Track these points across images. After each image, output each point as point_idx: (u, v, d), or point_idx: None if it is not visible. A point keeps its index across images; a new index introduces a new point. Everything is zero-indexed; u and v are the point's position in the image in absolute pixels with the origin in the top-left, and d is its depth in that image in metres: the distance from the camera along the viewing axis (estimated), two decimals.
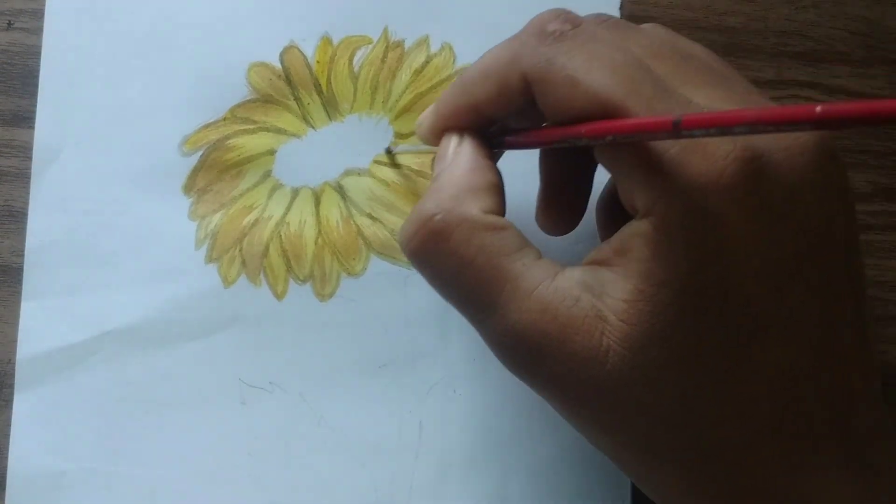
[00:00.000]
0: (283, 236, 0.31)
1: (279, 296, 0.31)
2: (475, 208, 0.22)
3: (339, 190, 0.32)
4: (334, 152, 0.32)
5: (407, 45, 0.32)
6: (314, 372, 0.31)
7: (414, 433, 0.30)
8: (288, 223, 0.31)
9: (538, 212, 0.28)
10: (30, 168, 0.31)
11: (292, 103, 0.32)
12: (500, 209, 0.22)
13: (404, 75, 0.32)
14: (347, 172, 0.32)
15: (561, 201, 0.27)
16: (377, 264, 0.31)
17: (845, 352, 0.21)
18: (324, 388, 0.31)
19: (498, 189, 0.23)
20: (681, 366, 0.20)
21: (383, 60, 0.32)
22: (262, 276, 0.31)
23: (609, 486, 0.30)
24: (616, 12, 0.33)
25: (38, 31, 0.32)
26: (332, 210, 0.32)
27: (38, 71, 0.31)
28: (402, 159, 0.32)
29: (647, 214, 0.20)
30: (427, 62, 0.32)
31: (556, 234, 0.28)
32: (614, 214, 0.26)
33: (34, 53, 0.31)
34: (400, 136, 0.32)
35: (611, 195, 0.26)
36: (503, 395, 0.31)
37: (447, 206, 0.22)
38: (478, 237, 0.21)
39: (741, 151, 0.19)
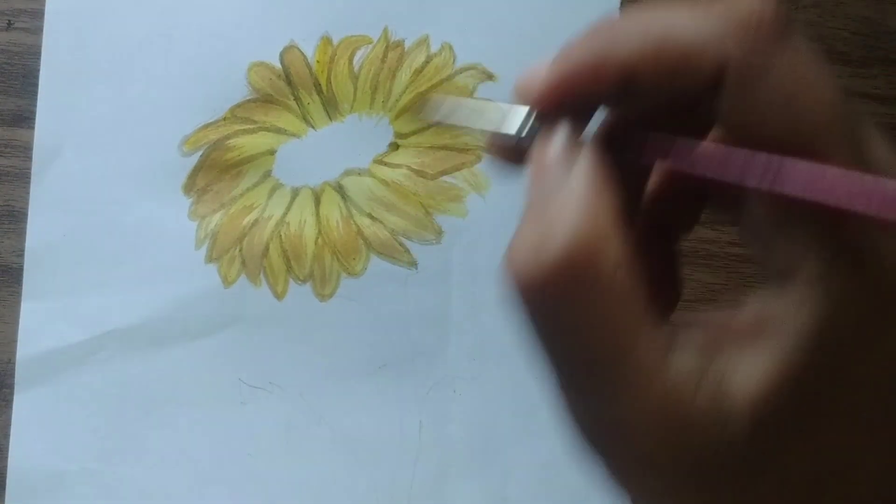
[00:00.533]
0: (283, 236, 0.31)
1: (279, 296, 0.31)
2: (614, 257, 0.17)
3: (339, 190, 0.32)
4: (334, 152, 0.32)
5: (407, 44, 0.32)
6: (314, 372, 0.31)
7: (414, 433, 0.30)
8: (288, 223, 0.31)
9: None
10: (30, 168, 0.31)
11: (292, 103, 0.32)
12: (631, 246, 0.18)
13: (404, 75, 0.32)
14: (347, 172, 0.32)
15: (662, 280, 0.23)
16: (377, 264, 0.31)
17: None
18: (324, 388, 0.31)
19: (626, 220, 0.18)
20: (809, 459, 0.18)
21: (383, 60, 0.32)
22: (262, 276, 0.31)
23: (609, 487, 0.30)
24: (616, 12, 0.33)
25: (38, 31, 0.32)
26: (332, 210, 0.32)
27: (38, 71, 0.31)
28: (402, 159, 0.32)
29: (817, 280, 0.17)
30: (427, 62, 0.32)
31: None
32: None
33: (34, 53, 0.31)
34: (400, 135, 0.32)
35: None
36: (503, 395, 0.31)
37: (585, 251, 0.17)
38: (614, 299, 0.17)
39: None
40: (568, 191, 0.18)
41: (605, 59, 0.18)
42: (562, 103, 0.18)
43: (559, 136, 0.18)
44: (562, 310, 0.17)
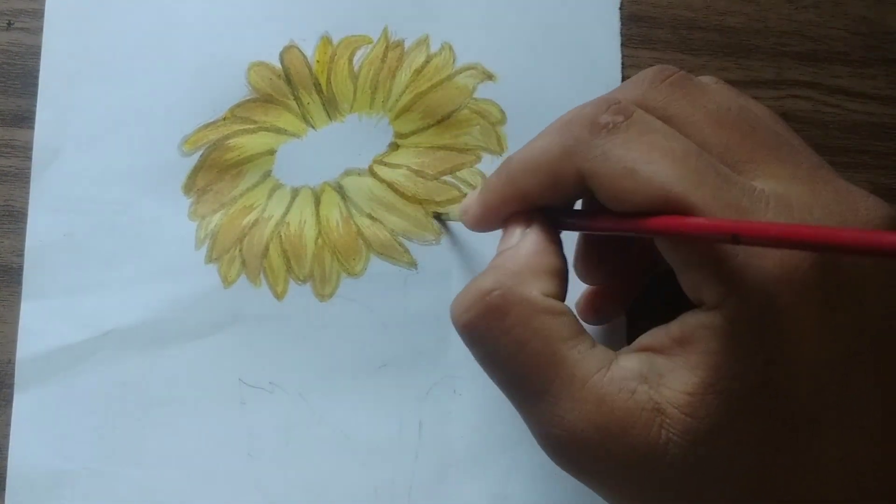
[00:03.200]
0: (283, 236, 0.31)
1: (279, 296, 0.31)
2: (535, 290, 0.21)
3: (339, 190, 0.32)
4: (334, 152, 0.32)
5: (407, 44, 0.32)
6: (314, 372, 0.31)
7: (414, 433, 0.30)
8: (288, 223, 0.31)
9: (581, 304, 0.29)
10: (30, 168, 0.31)
11: (292, 103, 0.32)
12: (561, 294, 0.22)
13: (404, 75, 0.32)
14: (347, 172, 0.32)
15: (607, 292, 0.28)
16: (377, 264, 0.31)
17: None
18: (324, 388, 0.30)
19: (560, 274, 0.22)
20: (746, 457, 0.20)
21: (383, 60, 0.32)
22: (262, 276, 0.31)
23: None
24: (616, 12, 0.33)
25: (38, 31, 0.32)
26: (332, 210, 0.32)
27: (38, 71, 0.31)
28: (402, 159, 0.32)
29: (717, 307, 0.19)
30: (427, 62, 0.32)
31: (598, 324, 0.28)
32: (599, 259, 0.26)
33: (34, 53, 0.31)
34: (400, 135, 0.32)
35: (592, 244, 0.27)
36: (503, 394, 0.31)
37: (507, 283, 0.21)
38: (536, 319, 0.21)
39: None
40: (512, 248, 0.22)
41: (508, 194, 0.23)
42: (490, 226, 0.24)
43: (517, 225, 0.23)
44: (491, 335, 0.21)
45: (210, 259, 0.31)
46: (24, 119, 0.31)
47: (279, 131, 0.32)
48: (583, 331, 0.21)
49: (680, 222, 0.19)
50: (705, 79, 0.23)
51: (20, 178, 0.31)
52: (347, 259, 0.31)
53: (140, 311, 0.30)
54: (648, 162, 0.20)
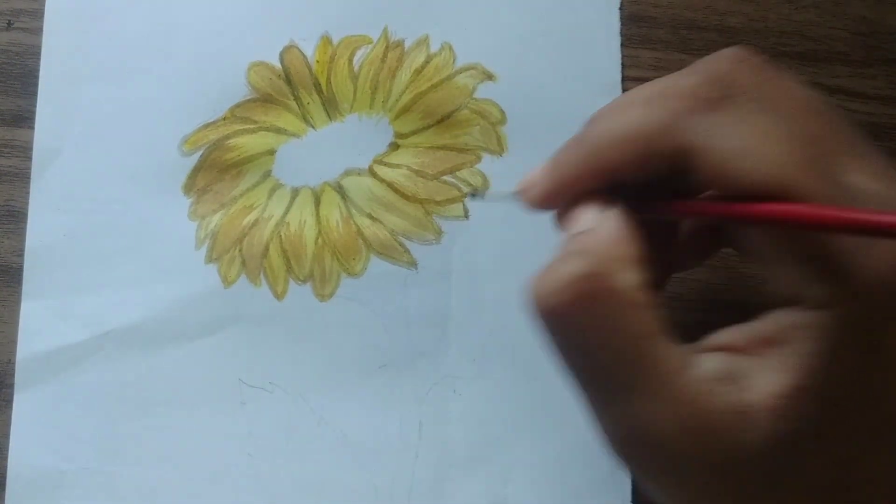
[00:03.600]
0: (282, 236, 0.31)
1: (279, 296, 0.31)
2: (628, 279, 0.20)
3: (339, 190, 0.32)
4: (334, 152, 0.32)
5: (407, 44, 0.32)
6: (314, 372, 0.31)
7: (414, 433, 0.30)
8: (288, 223, 0.31)
9: None
10: (30, 168, 0.31)
11: (292, 103, 0.32)
12: (650, 284, 0.20)
13: (404, 75, 0.32)
14: (347, 172, 0.32)
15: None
16: (377, 264, 0.31)
17: None
18: (324, 388, 0.31)
19: (649, 263, 0.21)
20: (829, 466, 0.19)
21: (383, 60, 0.32)
22: (262, 276, 0.31)
23: (609, 486, 0.30)
24: (616, 12, 0.33)
25: (38, 31, 0.32)
26: (332, 210, 0.32)
27: (38, 71, 0.31)
28: (402, 159, 0.32)
29: (823, 307, 0.18)
30: (427, 62, 0.32)
31: None
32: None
33: (34, 53, 0.31)
34: (400, 135, 0.32)
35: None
36: (503, 395, 0.31)
37: (600, 270, 0.19)
38: (629, 312, 0.19)
39: None
40: (590, 232, 0.20)
41: (588, 168, 0.21)
42: (559, 203, 0.22)
43: (590, 207, 0.21)
44: (579, 324, 0.20)
45: (210, 259, 0.31)
46: (24, 119, 0.31)
47: (279, 131, 0.32)
48: (667, 324, 0.20)
49: (812, 211, 0.18)
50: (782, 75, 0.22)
51: (20, 178, 0.31)
52: (347, 259, 0.31)
53: (140, 311, 0.30)
54: (764, 143, 0.19)
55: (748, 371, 0.19)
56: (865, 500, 0.20)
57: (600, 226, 0.21)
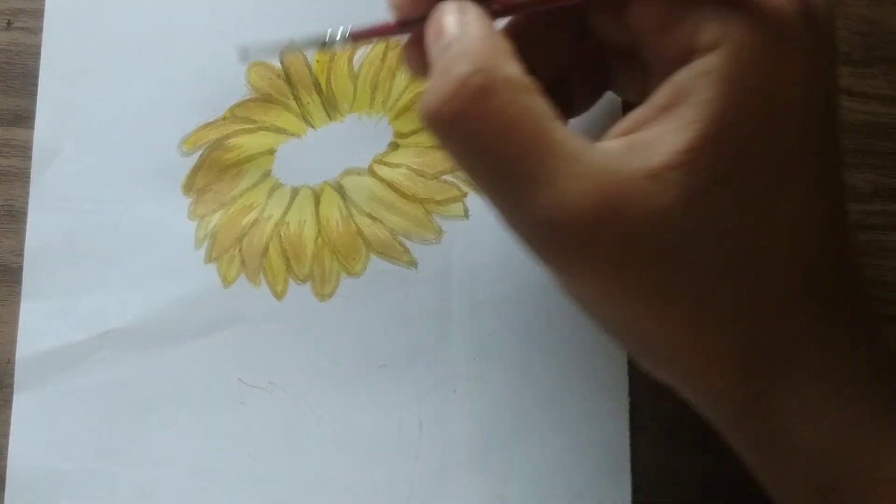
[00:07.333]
0: (282, 236, 0.31)
1: (279, 296, 0.31)
2: (518, 69, 0.20)
3: (339, 189, 0.32)
4: (334, 152, 0.32)
5: None
6: (314, 372, 0.31)
7: (414, 433, 0.30)
8: (287, 223, 0.31)
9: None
10: (30, 168, 0.31)
11: (292, 103, 0.32)
12: (528, 74, 0.20)
13: (404, 75, 0.32)
14: (347, 172, 0.32)
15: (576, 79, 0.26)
16: (377, 264, 0.31)
17: (844, 213, 0.21)
18: (324, 388, 0.30)
19: (519, 57, 0.20)
20: (739, 212, 0.19)
21: (383, 60, 0.32)
22: (261, 275, 0.31)
23: (609, 486, 0.30)
24: None
25: (38, 31, 0.32)
26: (332, 210, 0.32)
27: (38, 71, 0.31)
28: (402, 159, 0.32)
29: (717, 46, 0.19)
30: None
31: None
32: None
33: (34, 53, 0.32)
34: (400, 135, 0.32)
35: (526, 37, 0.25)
36: (503, 395, 0.31)
37: (488, 64, 0.19)
38: (524, 98, 0.19)
39: None
40: (461, 37, 0.20)
41: None
42: (424, 2, 0.22)
43: (449, 7, 0.21)
44: (480, 122, 0.19)
45: (210, 259, 0.31)
46: (24, 119, 0.31)
47: (279, 131, 0.32)
48: (559, 113, 0.20)
49: None
50: None
51: (20, 177, 0.31)
52: (347, 259, 0.31)
53: (140, 311, 0.30)
54: None
55: (654, 138, 0.19)
56: (775, 245, 0.20)
57: (467, 29, 0.20)
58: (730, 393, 0.21)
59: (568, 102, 0.26)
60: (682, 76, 0.19)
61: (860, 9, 0.34)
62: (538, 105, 0.19)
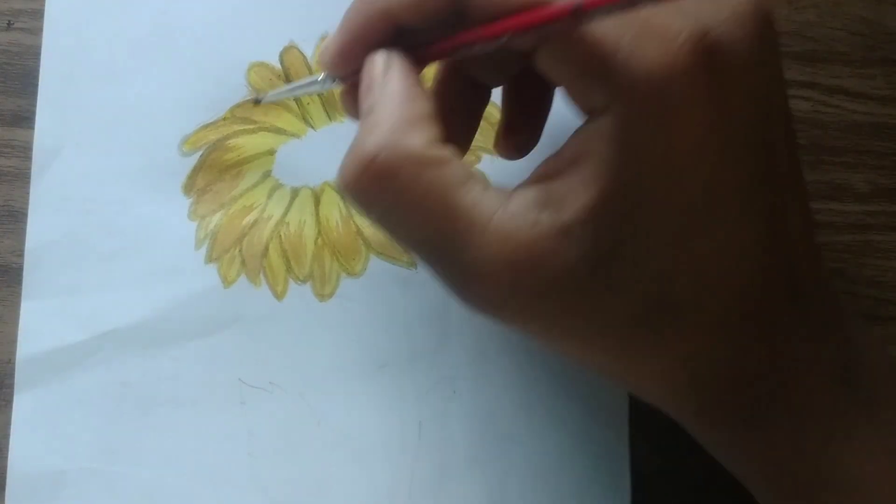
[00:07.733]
0: (282, 236, 0.31)
1: (279, 296, 0.31)
2: (417, 140, 0.20)
3: (339, 190, 0.32)
4: (334, 152, 0.32)
5: None
6: (314, 372, 0.31)
7: (414, 433, 0.30)
8: (288, 223, 0.31)
9: (499, 138, 0.28)
10: (30, 168, 0.31)
11: (292, 103, 0.32)
12: (440, 137, 0.21)
13: None
14: None
15: (520, 125, 0.27)
16: (377, 264, 0.31)
17: (794, 230, 0.21)
18: (324, 388, 0.31)
19: (434, 115, 0.21)
20: (650, 259, 0.20)
21: None
22: (261, 276, 0.31)
23: (609, 486, 0.30)
24: None
25: (38, 31, 0.32)
26: (332, 210, 0.32)
27: (38, 71, 0.31)
28: None
29: (605, 111, 0.19)
30: None
31: (515, 158, 0.28)
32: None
33: (34, 53, 0.31)
34: None
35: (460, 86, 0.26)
36: (503, 395, 0.31)
37: (389, 142, 0.20)
38: (425, 174, 0.20)
39: (692, 30, 0.18)
40: (380, 100, 0.21)
41: (370, 14, 0.22)
42: (352, 61, 0.22)
43: (374, 66, 0.22)
44: (387, 200, 0.20)
45: (210, 259, 0.31)
46: (24, 119, 0.31)
47: (279, 131, 0.32)
48: (473, 174, 0.20)
49: (510, 20, 0.19)
50: None
51: (20, 178, 0.31)
52: (347, 259, 0.31)
53: (140, 311, 0.30)
54: None
55: (562, 192, 0.20)
56: (689, 294, 0.20)
57: (387, 88, 0.21)
58: (694, 425, 0.23)
59: (540, 94, 0.27)
60: (583, 132, 0.20)
61: (860, 9, 0.34)
62: (444, 176, 0.20)
